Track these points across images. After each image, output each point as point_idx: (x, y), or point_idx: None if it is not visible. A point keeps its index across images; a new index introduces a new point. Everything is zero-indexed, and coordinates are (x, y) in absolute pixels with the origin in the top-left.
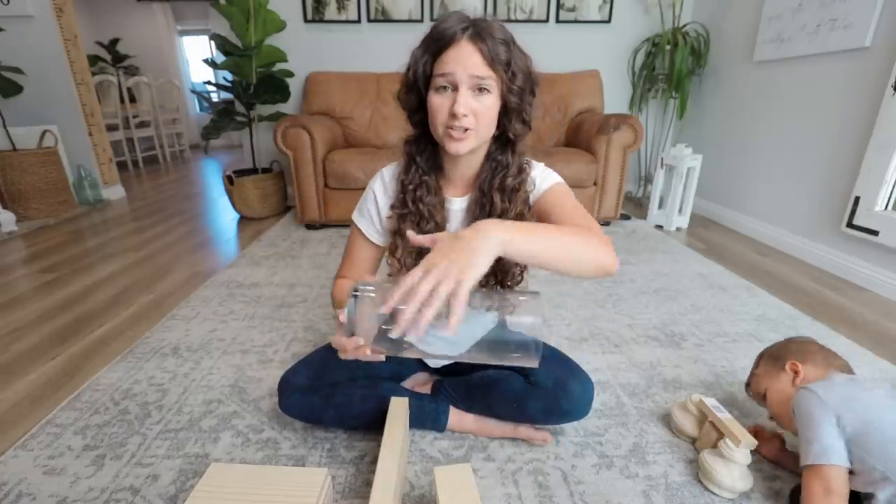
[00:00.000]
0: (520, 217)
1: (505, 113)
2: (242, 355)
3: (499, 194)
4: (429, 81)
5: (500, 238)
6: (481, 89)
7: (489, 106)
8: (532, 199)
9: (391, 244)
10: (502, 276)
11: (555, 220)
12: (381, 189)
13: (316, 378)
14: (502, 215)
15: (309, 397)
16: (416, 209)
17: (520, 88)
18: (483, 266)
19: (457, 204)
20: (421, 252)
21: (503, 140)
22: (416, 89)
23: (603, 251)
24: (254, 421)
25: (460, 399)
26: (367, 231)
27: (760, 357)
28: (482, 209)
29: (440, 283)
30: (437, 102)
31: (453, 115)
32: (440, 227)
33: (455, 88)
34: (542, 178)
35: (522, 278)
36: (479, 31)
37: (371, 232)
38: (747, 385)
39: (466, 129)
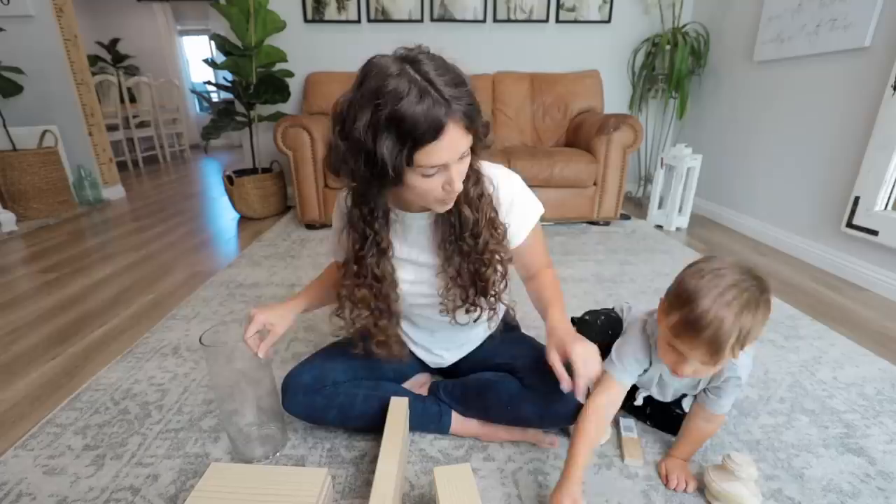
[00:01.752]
0: (491, 223)
1: (474, 151)
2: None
3: (467, 207)
4: (407, 166)
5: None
6: (463, 155)
7: (469, 162)
8: (516, 240)
9: (342, 306)
10: (483, 284)
11: (527, 260)
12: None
13: (319, 378)
14: (475, 226)
15: (312, 397)
16: (373, 275)
17: (484, 124)
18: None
19: (421, 220)
20: (371, 312)
21: None
22: (382, 174)
23: None
24: (254, 420)
25: (456, 401)
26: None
27: (755, 320)
28: (452, 226)
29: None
30: (428, 186)
31: (450, 191)
32: (391, 284)
33: (444, 169)
34: (509, 203)
35: (506, 285)
36: (450, 102)
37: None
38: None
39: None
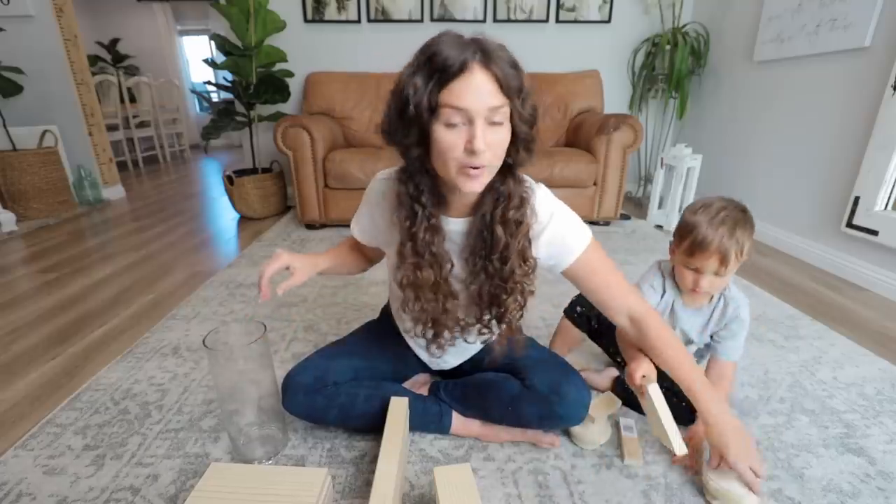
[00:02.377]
0: (521, 253)
1: (513, 142)
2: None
3: (501, 227)
4: (432, 114)
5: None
6: (495, 120)
7: (503, 137)
8: (562, 265)
9: (399, 297)
10: (500, 311)
11: (590, 287)
12: (378, 202)
13: (320, 377)
14: (504, 250)
15: (313, 397)
16: (430, 254)
17: (531, 115)
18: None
19: (456, 224)
20: (436, 296)
21: (503, 168)
22: (418, 124)
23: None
24: (254, 421)
25: (456, 401)
26: (360, 237)
27: (745, 234)
28: (483, 243)
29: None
30: (450, 140)
31: (471, 152)
32: (453, 265)
33: (468, 122)
34: (560, 233)
35: (522, 315)
36: (487, 54)
37: (363, 236)
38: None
39: (483, 166)
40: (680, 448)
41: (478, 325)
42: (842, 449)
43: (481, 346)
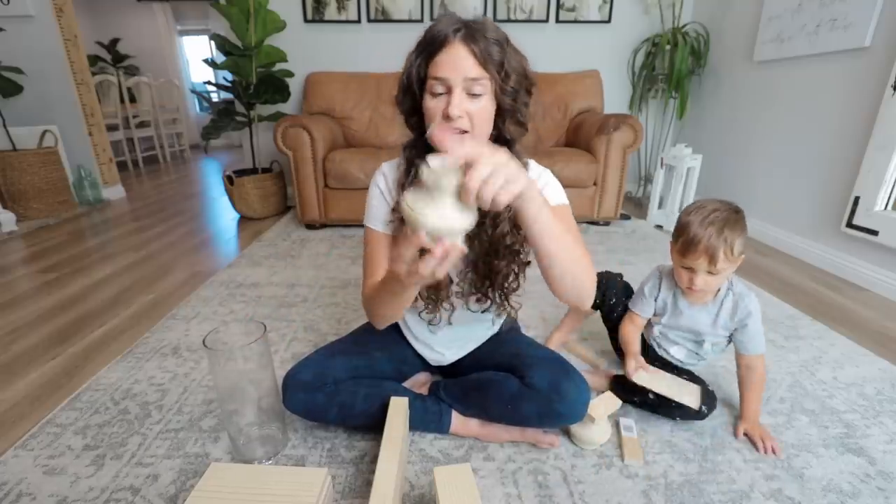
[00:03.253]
0: (513, 220)
1: (499, 114)
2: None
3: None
4: (423, 84)
5: (538, 192)
6: (474, 92)
7: (483, 107)
8: None
9: (391, 251)
10: (495, 277)
11: None
12: (383, 182)
13: (320, 376)
14: (496, 217)
15: (313, 395)
16: None
17: (513, 89)
18: (525, 183)
19: None
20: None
21: (500, 142)
22: (411, 92)
23: (591, 288)
24: (255, 421)
25: (456, 400)
26: (381, 226)
27: (735, 233)
28: (482, 214)
29: (498, 171)
30: (432, 106)
31: (448, 118)
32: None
33: (449, 91)
34: (544, 183)
35: (518, 285)
36: (471, 31)
37: (385, 224)
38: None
39: (463, 132)
40: (695, 403)
41: (476, 294)
42: (842, 449)
43: (481, 339)
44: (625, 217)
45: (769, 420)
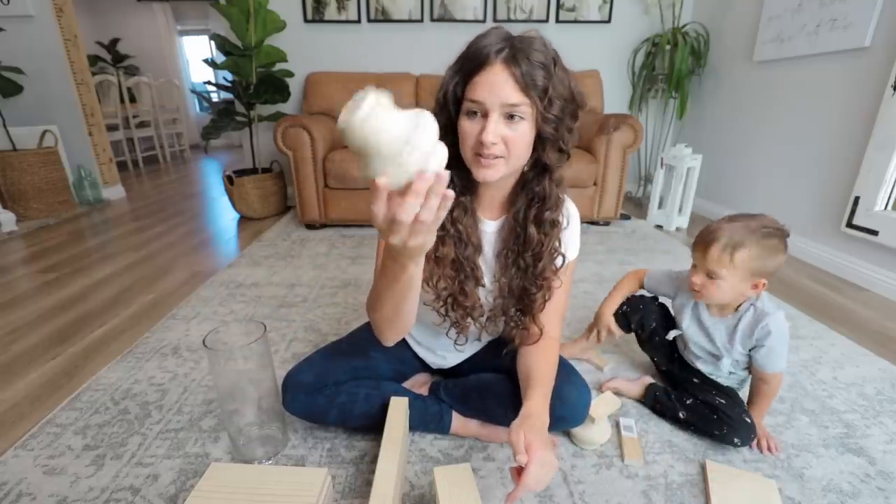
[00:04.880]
0: (553, 253)
1: (539, 141)
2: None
3: (534, 227)
4: (460, 104)
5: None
6: (513, 116)
7: (522, 133)
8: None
9: (424, 269)
10: (528, 304)
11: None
12: None
13: (320, 377)
14: (538, 247)
15: (313, 397)
16: (455, 230)
17: (556, 117)
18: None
19: (490, 226)
20: (457, 275)
21: (539, 167)
22: (446, 111)
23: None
24: (255, 421)
25: (456, 401)
26: None
27: (749, 240)
28: (516, 239)
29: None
30: (467, 128)
31: (481, 143)
32: (477, 249)
33: (485, 114)
34: (568, 238)
35: (543, 308)
36: (514, 52)
37: None
38: (706, 245)
39: (496, 157)
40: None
41: (503, 317)
42: (842, 449)
43: (481, 343)
44: (625, 217)
45: (769, 420)
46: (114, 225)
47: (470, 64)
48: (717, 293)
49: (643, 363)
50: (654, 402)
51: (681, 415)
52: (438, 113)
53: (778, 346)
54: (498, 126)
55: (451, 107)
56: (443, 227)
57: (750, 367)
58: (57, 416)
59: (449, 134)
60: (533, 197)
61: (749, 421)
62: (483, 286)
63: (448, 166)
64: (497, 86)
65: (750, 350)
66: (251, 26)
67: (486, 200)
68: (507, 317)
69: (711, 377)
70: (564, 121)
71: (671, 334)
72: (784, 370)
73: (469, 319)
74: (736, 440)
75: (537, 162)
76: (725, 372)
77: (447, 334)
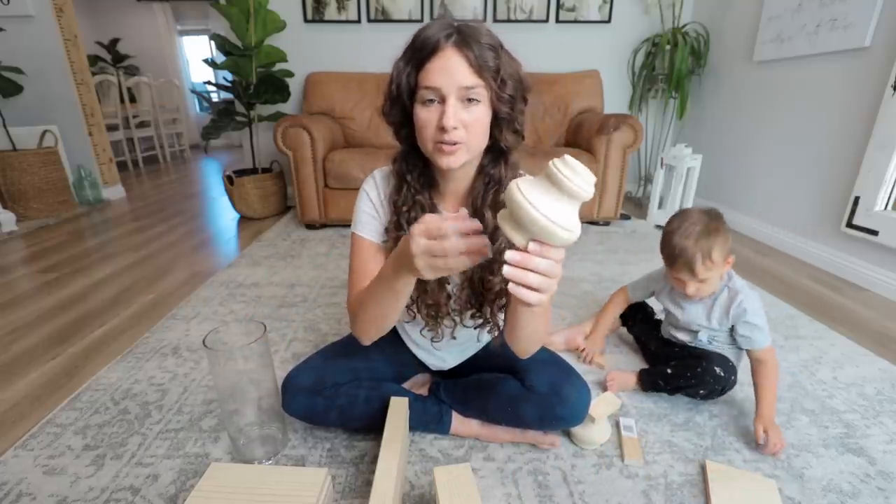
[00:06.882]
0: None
1: (496, 123)
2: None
3: (491, 211)
4: (414, 94)
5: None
6: (470, 100)
7: (479, 117)
8: None
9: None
10: (487, 293)
11: None
12: (375, 193)
13: (319, 379)
14: (493, 233)
15: (313, 398)
16: (409, 221)
17: (510, 97)
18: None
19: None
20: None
21: (495, 152)
22: (400, 103)
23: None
24: (255, 421)
25: (456, 401)
26: (370, 235)
27: (711, 242)
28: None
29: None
30: (424, 116)
31: (442, 129)
32: None
33: (442, 101)
34: None
35: (509, 301)
36: (464, 37)
37: (374, 234)
38: (688, 259)
39: (457, 143)
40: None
41: (471, 310)
42: (842, 449)
43: (481, 344)
44: (625, 217)
45: None
46: (114, 225)
47: (420, 53)
48: (709, 288)
49: (643, 364)
50: (646, 375)
51: (668, 370)
52: (391, 107)
53: (757, 321)
54: (457, 110)
55: (406, 97)
56: (400, 229)
57: (734, 342)
58: (57, 416)
59: (403, 127)
60: (489, 181)
61: (725, 356)
62: (448, 283)
63: (403, 162)
64: (451, 69)
65: (732, 332)
66: (251, 26)
67: (448, 193)
68: (473, 309)
69: (691, 345)
70: (517, 101)
71: (657, 315)
72: (770, 344)
73: (438, 318)
74: (717, 369)
75: (494, 146)
76: (706, 342)
77: (421, 332)
